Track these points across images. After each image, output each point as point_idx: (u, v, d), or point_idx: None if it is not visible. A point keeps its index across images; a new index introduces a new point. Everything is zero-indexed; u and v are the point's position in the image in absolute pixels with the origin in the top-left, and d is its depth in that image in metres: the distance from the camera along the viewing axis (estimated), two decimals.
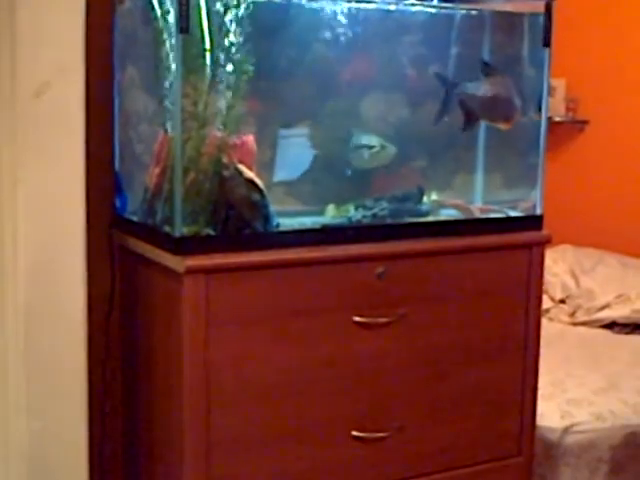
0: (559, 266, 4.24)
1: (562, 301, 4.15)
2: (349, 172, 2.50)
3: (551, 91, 4.19)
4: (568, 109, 4.45)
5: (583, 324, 4.02)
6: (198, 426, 2.14)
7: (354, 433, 2.33)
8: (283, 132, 2.43)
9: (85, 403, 2.20)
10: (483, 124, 2.63)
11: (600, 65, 4.39)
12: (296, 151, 2.45)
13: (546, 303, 4.01)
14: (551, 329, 3.78)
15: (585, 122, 4.47)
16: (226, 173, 2.21)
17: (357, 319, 2.29)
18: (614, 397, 3.17)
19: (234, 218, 2.20)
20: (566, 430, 2.97)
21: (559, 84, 4.33)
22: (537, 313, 2.59)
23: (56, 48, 2.06)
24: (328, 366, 2.28)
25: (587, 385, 3.25)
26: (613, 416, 3.06)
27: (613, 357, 3.59)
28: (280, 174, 2.42)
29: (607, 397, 3.17)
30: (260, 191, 2.22)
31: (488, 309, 2.49)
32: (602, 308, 4.01)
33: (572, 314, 4.08)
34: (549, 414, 3.01)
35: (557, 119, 4.38)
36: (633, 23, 4.29)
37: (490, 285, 2.49)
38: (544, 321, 2.93)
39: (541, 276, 2.57)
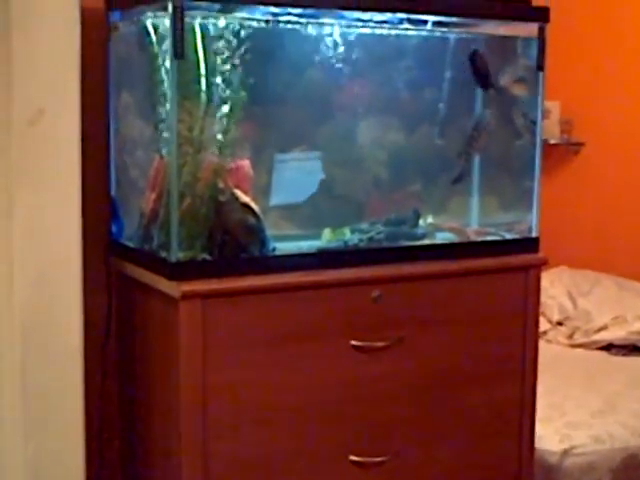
0: (556, 288, 4.24)
1: (560, 323, 4.15)
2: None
3: (546, 114, 4.21)
4: (563, 131, 4.46)
5: (581, 346, 4.02)
6: (195, 451, 2.13)
7: (352, 458, 2.32)
8: (279, 156, 2.43)
9: (82, 429, 2.19)
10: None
11: (594, 87, 4.41)
12: (292, 175, 2.45)
13: (544, 325, 4.01)
14: (549, 351, 3.77)
15: (580, 144, 4.48)
16: (222, 198, 2.21)
17: (354, 343, 2.29)
18: (612, 419, 3.17)
19: (230, 243, 2.20)
20: (565, 453, 2.97)
21: (553, 106, 4.35)
22: (534, 335, 2.58)
23: (51, 75, 2.07)
24: (325, 390, 2.28)
25: (585, 407, 3.25)
26: (612, 438, 3.05)
27: (611, 379, 3.59)
28: (276, 198, 2.42)
29: (605, 419, 3.16)
30: (256, 215, 2.23)
31: (485, 332, 2.49)
32: (599, 330, 4.01)
33: (570, 336, 4.08)
34: (548, 437, 3.01)
35: (552, 141, 4.39)
36: (627, 45, 4.31)
37: (487, 308, 2.49)
38: (542, 343, 2.93)
39: (538, 298, 2.57)
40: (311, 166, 2.48)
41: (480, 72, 2.54)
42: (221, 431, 2.16)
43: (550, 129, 4.35)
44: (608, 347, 3.98)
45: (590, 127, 4.42)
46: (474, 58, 2.52)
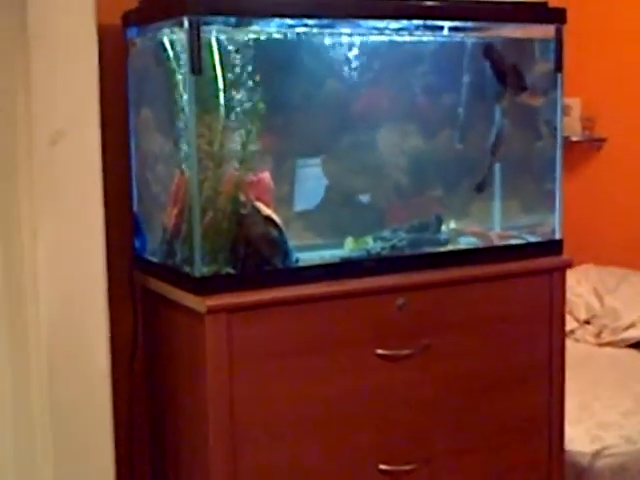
0: (582, 286, 4.20)
1: (587, 322, 4.11)
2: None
3: (567, 110, 4.19)
4: (584, 128, 4.43)
5: (609, 344, 3.98)
6: (224, 464, 2.14)
7: (381, 466, 2.32)
8: (299, 167, 2.43)
9: (111, 446, 2.20)
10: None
11: (615, 83, 4.37)
12: (312, 185, 2.46)
13: (571, 324, 3.98)
14: (577, 351, 3.75)
15: (602, 140, 4.45)
16: (244, 211, 2.21)
17: (380, 352, 2.29)
18: None
19: (253, 255, 2.21)
20: (596, 454, 2.94)
21: (574, 103, 4.32)
22: (561, 338, 2.57)
23: (71, 96, 2.08)
24: (353, 400, 2.27)
25: (616, 407, 3.22)
26: None
27: None
28: (297, 209, 2.43)
29: (636, 419, 3.14)
30: (278, 227, 2.23)
31: (511, 336, 2.48)
32: (627, 327, 3.97)
33: (598, 335, 4.04)
34: (578, 438, 2.98)
35: (574, 138, 4.36)
36: None
37: (512, 312, 2.48)
38: (570, 343, 2.92)
39: (563, 301, 2.56)
40: (331, 175, 2.48)
41: (497, 65, 2.52)
42: (249, 443, 2.16)
43: (571, 126, 4.32)
44: (637, 345, 3.94)
45: (612, 123, 4.39)
46: (489, 52, 2.51)
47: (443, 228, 2.55)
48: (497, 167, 2.65)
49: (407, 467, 2.35)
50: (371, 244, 2.43)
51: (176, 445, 2.37)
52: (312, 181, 2.47)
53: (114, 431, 2.21)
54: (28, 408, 2.17)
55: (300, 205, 2.46)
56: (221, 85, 2.18)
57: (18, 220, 2.12)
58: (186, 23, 2.06)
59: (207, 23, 2.11)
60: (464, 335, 2.41)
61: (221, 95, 2.18)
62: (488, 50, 2.51)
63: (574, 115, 4.37)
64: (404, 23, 2.36)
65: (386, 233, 2.47)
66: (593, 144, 4.45)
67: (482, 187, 2.60)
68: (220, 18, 2.14)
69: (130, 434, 2.48)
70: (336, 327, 2.24)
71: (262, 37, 2.23)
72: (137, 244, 2.45)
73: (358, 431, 2.29)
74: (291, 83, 2.36)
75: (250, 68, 2.21)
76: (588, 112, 4.40)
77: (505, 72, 2.52)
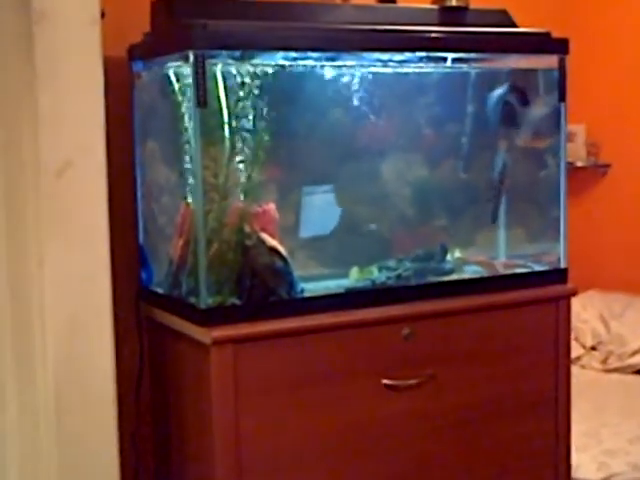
0: (588, 312, 4.20)
1: (593, 348, 4.11)
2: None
3: (572, 137, 4.20)
4: (589, 154, 4.44)
5: (616, 370, 3.98)
6: None
7: None
8: (304, 197, 2.44)
9: (117, 477, 2.20)
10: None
11: (619, 109, 4.38)
12: (317, 215, 2.46)
13: (577, 350, 3.98)
14: (583, 377, 3.74)
15: (607, 166, 4.46)
16: (249, 242, 2.22)
17: (386, 382, 2.29)
18: None
19: (259, 287, 2.21)
20: None
21: (579, 129, 4.33)
22: (566, 366, 2.57)
23: (77, 127, 2.09)
24: (359, 430, 2.27)
25: (622, 434, 3.22)
26: None
27: None
28: (302, 239, 2.43)
29: None
30: (283, 258, 2.24)
31: (517, 365, 2.48)
32: (634, 353, 3.96)
33: (604, 361, 4.04)
34: (585, 466, 2.98)
35: (579, 164, 4.37)
36: None
37: (518, 341, 2.48)
38: (576, 369, 2.91)
39: (568, 329, 2.56)
40: (336, 205, 2.49)
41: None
42: (256, 476, 2.16)
43: (576, 152, 4.33)
44: None
45: (616, 149, 4.40)
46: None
47: (448, 257, 2.55)
48: (502, 195, 2.66)
49: None
50: (376, 274, 2.44)
51: (183, 476, 2.37)
52: (323, 208, 2.47)
53: (120, 462, 2.21)
54: (35, 438, 2.17)
55: (304, 239, 2.45)
56: (226, 117, 2.19)
57: (25, 250, 2.13)
58: (192, 57, 2.08)
59: (212, 57, 2.12)
60: (470, 364, 2.41)
61: (226, 127, 2.20)
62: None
63: (579, 141, 4.38)
64: (408, 55, 2.37)
65: (391, 263, 2.47)
66: (598, 170, 4.46)
67: (495, 217, 2.61)
68: (225, 52, 2.16)
69: (136, 464, 2.48)
70: (342, 358, 2.25)
71: (267, 70, 2.24)
72: (143, 275, 2.46)
73: (365, 461, 2.29)
74: (295, 115, 2.38)
75: (255, 100, 2.22)
76: (593, 138, 4.41)
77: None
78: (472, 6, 2.56)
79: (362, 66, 2.40)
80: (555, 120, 2.55)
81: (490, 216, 2.62)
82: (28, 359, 2.16)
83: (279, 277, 2.23)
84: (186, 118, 2.22)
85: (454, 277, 2.50)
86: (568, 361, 2.58)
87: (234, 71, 2.20)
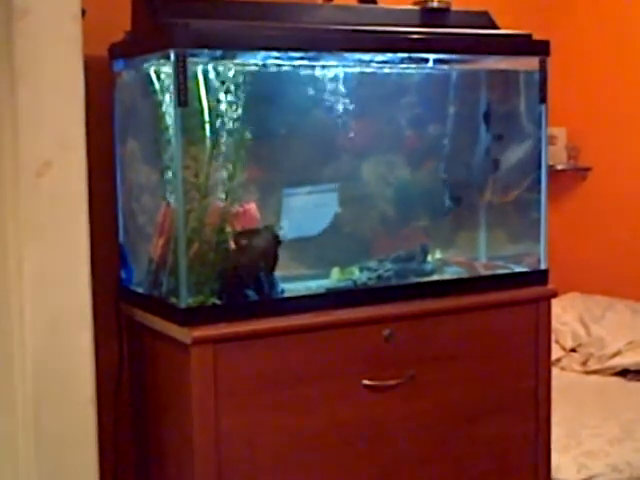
0: (569, 314, 4.21)
1: (573, 350, 4.12)
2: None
3: (552, 140, 4.22)
4: (570, 157, 4.46)
5: (595, 372, 3.99)
6: None
7: None
8: (285, 197, 2.44)
9: (96, 477, 2.19)
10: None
11: (600, 113, 4.41)
12: (299, 216, 2.46)
13: (557, 352, 3.99)
14: (563, 379, 3.75)
15: (587, 169, 4.47)
16: (229, 242, 2.21)
17: (366, 382, 2.29)
18: (630, 447, 3.14)
19: (239, 286, 2.21)
20: None
21: (560, 133, 4.35)
22: (546, 367, 2.57)
23: (57, 126, 2.08)
24: (339, 431, 2.27)
25: (602, 435, 3.22)
26: (630, 467, 3.03)
27: (627, 405, 3.56)
28: (283, 239, 2.42)
29: (623, 447, 3.13)
30: (264, 258, 2.23)
31: (497, 366, 2.48)
32: (614, 356, 3.98)
33: (584, 363, 4.05)
34: (565, 467, 2.98)
35: (559, 167, 4.38)
36: (634, 69, 4.31)
37: (498, 341, 2.49)
38: (556, 371, 2.92)
39: (549, 331, 2.56)
40: (320, 199, 2.48)
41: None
42: (235, 475, 2.15)
43: (557, 155, 4.35)
44: (623, 373, 3.94)
45: (597, 152, 4.42)
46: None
47: (429, 258, 2.56)
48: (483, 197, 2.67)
49: None
50: (357, 274, 2.44)
51: (162, 476, 2.36)
52: (299, 213, 2.46)
53: (99, 461, 2.20)
54: (13, 438, 2.16)
55: (285, 239, 2.44)
56: (207, 117, 2.19)
57: (4, 250, 2.12)
58: (172, 56, 2.07)
59: (193, 55, 2.12)
60: (450, 365, 2.41)
61: (207, 127, 2.20)
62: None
63: (559, 144, 4.39)
64: (389, 56, 2.38)
65: (372, 263, 2.48)
66: (578, 173, 4.48)
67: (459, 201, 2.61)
68: (206, 51, 2.15)
69: (115, 464, 2.47)
70: (322, 358, 2.25)
71: (248, 69, 2.24)
72: (123, 275, 2.45)
73: (345, 461, 2.29)
74: (277, 115, 2.38)
75: (236, 100, 2.22)
76: (573, 141, 4.43)
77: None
78: (454, 8, 2.56)
79: (344, 66, 2.40)
80: (536, 122, 2.56)
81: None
82: (7, 359, 2.15)
83: (260, 277, 2.22)
84: (167, 117, 2.21)
85: (435, 278, 2.51)
86: (548, 362, 2.59)
87: (215, 71, 2.20)
